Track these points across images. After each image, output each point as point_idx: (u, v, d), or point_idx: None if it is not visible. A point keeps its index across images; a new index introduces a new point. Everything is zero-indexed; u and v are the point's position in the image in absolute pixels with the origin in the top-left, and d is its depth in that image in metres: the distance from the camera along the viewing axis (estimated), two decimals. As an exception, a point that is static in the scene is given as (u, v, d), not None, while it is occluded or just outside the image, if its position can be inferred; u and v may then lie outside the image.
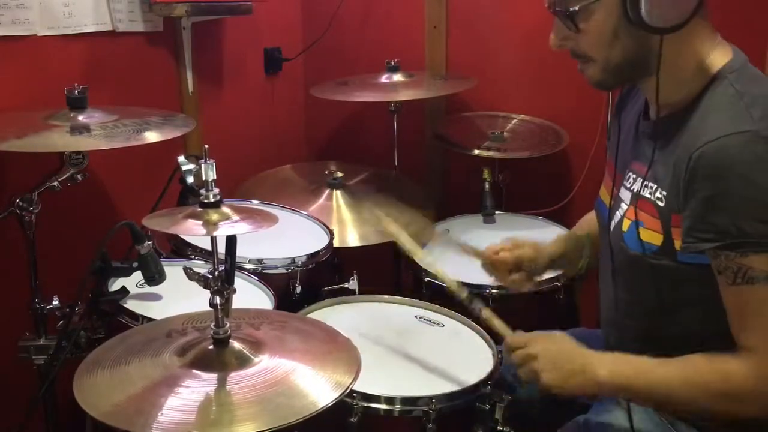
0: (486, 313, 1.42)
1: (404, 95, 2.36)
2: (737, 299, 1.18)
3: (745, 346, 1.19)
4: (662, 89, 1.27)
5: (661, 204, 1.26)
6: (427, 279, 1.95)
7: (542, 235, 2.17)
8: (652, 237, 1.28)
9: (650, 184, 1.29)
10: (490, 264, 1.64)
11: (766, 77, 1.29)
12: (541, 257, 1.63)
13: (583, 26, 1.26)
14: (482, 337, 1.61)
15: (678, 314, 1.30)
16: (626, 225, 1.34)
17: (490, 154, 2.35)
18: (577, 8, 1.24)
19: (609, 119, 1.58)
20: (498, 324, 1.40)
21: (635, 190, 1.34)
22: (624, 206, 1.37)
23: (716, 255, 1.17)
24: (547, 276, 1.77)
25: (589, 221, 1.69)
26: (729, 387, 1.20)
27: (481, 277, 1.80)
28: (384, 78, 2.40)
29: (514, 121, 2.53)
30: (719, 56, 1.26)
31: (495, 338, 1.58)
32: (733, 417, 1.22)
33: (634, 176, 1.36)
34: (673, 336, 1.32)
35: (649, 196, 1.29)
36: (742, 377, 1.18)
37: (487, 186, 2.32)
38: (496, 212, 2.32)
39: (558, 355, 1.29)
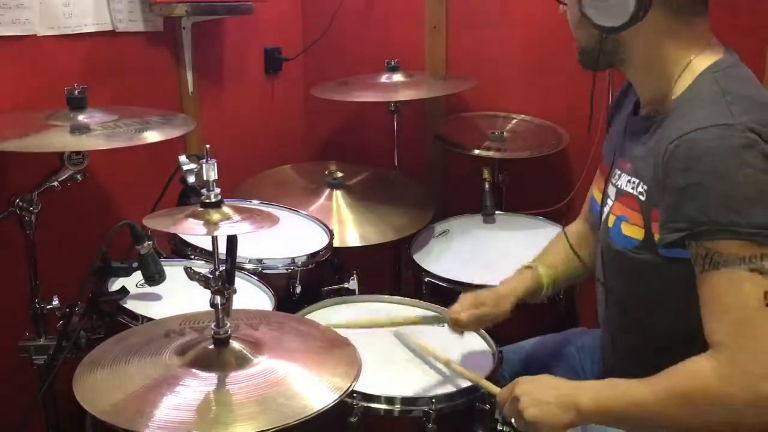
0: (473, 377, 1.41)
1: (404, 95, 2.36)
2: (705, 287, 1.15)
3: (712, 341, 1.14)
4: (644, 85, 1.34)
5: (643, 198, 1.27)
6: (427, 279, 1.95)
7: (542, 235, 2.18)
8: (634, 232, 1.28)
9: (633, 179, 1.31)
10: (454, 323, 1.57)
11: (754, 79, 1.28)
12: (501, 310, 1.56)
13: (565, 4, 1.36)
14: (482, 337, 1.61)
15: (664, 310, 1.30)
16: (612, 221, 1.35)
17: (490, 154, 2.35)
18: None
19: (608, 117, 1.58)
20: (485, 383, 1.39)
21: (619, 186, 1.36)
22: (610, 202, 1.38)
23: (688, 244, 1.16)
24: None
25: (552, 246, 1.67)
26: (700, 391, 1.13)
27: (482, 277, 1.80)
28: (384, 78, 2.39)
29: (514, 121, 2.53)
30: (708, 56, 1.26)
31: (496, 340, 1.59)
32: (717, 427, 1.15)
33: (619, 172, 1.37)
34: (662, 332, 1.31)
35: (631, 190, 1.30)
36: (709, 377, 1.12)
37: (487, 186, 2.32)
38: (496, 212, 2.32)
39: (538, 390, 1.26)
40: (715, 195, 1.13)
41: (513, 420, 1.30)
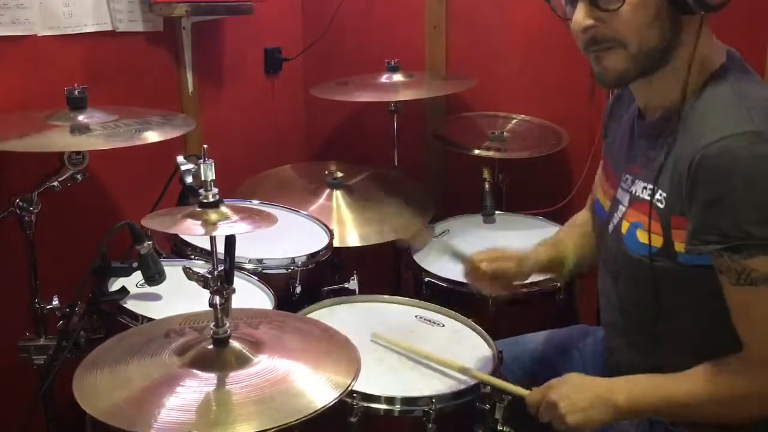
0: (499, 383, 1.42)
1: (404, 95, 2.36)
2: (740, 299, 1.19)
3: (750, 348, 1.20)
4: (662, 86, 1.28)
5: (661, 206, 1.25)
6: (427, 279, 1.95)
7: (542, 235, 2.18)
8: (651, 239, 1.27)
9: (649, 186, 1.28)
10: (471, 272, 1.58)
11: (760, 79, 1.28)
12: (523, 270, 1.57)
13: (628, 3, 1.19)
14: (482, 337, 1.61)
15: (678, 315, 1.30)
16: (625, 227, 1.34)
17: (490, 154, 2.35)
18: None
19: (605, 120, 1.56)
20: (513, 387, 1.40)
21: (633, 192, 1.33)
22: (622, 208, 1.36)
23: (719, 255, 1.16)
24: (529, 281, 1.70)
25: (575, 226, 1.68)
26: (739, 392, 1.20)
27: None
28: (384, 78, 2.39)
29: (514, 121, 2.53)
30: (716, 55, 1.26)
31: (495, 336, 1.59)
32: (751, 419, 1.23)
33: (632, 178, 1.35)
34: (674, 337, 1.32)
35: (648, 197, 1.28)
36: (751, 382, 1.19)
37: (487, 186, 2.33)
38: (496, 212, 2.32)
39: (575, 394, 1.30)
40: (749, 208, 1.13)
41: (553, 423, 1.33)
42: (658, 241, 1.26)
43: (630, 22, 1.21)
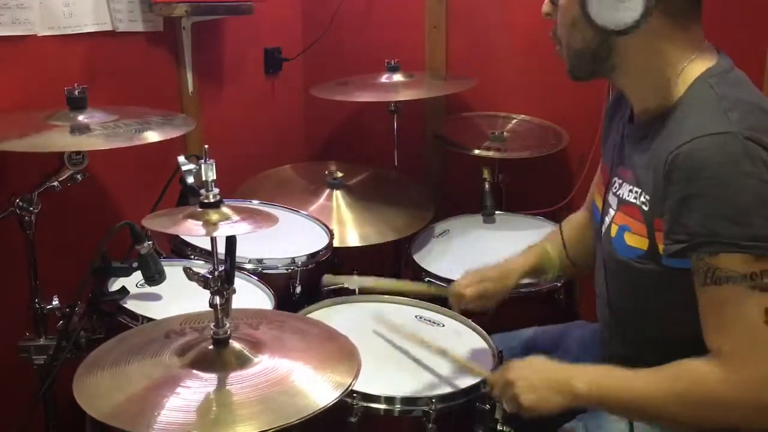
0: (462, 361, 1.44)
1: (404, 95, 2.36)
2: (707, 300, 1.17)
3: (715, 349, 1.17)
4: (636, 92, 1.32)
5: (645, 208, 1.26)
6: (427, 279, 1.95)
7: (542, 235, 2.17)
8: (638, 242, 1.28)
9: (635, 189, 1.30)
10: (456, 299, 1.63)
11: (748, 82, 1.28)
12: (505, 286, 1.63)
13: (559, 3, 1.30)
14: (482, 337, 1.61)
15: (666, 318, 1.30)
16: (614, 230, 1.34)
17: (490, 154, 2.35)
18: None
19: (604, 121, 1.57)
20: (477, 367, 1.41)
21: (621, 195, 1.35)
22: (612, 211, 1.37)
23: (690, 256, 1.16)
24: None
25: (555, 233, 1.72)
26: (702, 394, 1.16)
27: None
28: (384, 78, 2.39)
29: (514, 121, 2.53)
30: (702, 62, 1.26)
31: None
32: (713, 426, 1.18)
33: (620, 181, 1.36)
34: (663, 339, 1.31)
35: (634, 200, 1.29)
36: (714, 383, 1.15)
37: (487, 186, 2.33)
38: (496, 212, 2.32)
39: (533, 375, 1.28)
40: (715, 206, 1.13)
41: (504, 403, 1.31)
42: (643, 244, 1.26)
43: (561, 22, 1.31)
